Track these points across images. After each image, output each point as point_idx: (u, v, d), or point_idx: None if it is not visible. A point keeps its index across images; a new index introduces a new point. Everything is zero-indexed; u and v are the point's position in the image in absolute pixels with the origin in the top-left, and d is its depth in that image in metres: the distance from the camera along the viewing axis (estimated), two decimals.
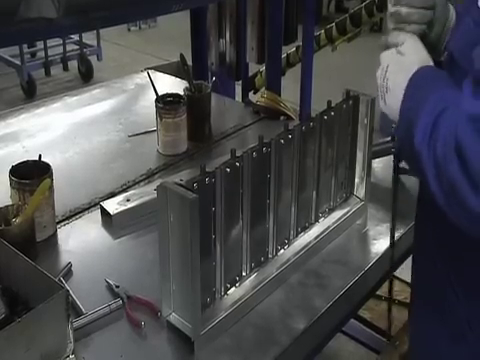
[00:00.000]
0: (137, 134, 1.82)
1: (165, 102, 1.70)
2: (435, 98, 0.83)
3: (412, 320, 1.12)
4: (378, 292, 2.04)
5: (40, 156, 1.35)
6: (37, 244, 1.28)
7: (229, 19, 2.11)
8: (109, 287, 1.19)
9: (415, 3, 1.00)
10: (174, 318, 1.09)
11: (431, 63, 0.95)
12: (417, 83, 0.91)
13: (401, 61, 0.97)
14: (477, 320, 0.93)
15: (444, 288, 0.97)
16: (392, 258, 1.34)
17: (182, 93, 1.74)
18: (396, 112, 0.92)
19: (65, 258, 1.29)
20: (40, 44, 5.16)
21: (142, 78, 2.17)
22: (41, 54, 5.21)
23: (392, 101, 0.95)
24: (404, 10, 1.00)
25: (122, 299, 1.15)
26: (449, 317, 0.97)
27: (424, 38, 1.01)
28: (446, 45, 1.03)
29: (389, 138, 1.54)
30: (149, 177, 1.61)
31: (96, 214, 1.44)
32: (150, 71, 2.06)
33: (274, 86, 2.13)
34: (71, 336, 1.01)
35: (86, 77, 5.31)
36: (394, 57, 0.98)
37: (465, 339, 0.95)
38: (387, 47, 1.01)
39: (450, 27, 1.04)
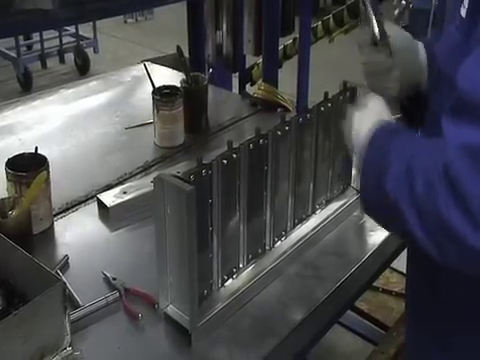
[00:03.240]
0: (134, 126, 1.81)
1: (162, 94, 1.69)
2: (399, 148, 0.82)
3: (405, 324, 1.13)
4: (375, 283, 2.05)
5: (36, 148, 1.35)
6: (34, 237, 1.28)
7: (226, 11, 2.10)
8: (106, 279, 1.19)
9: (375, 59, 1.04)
10: (171, 310, 1.09)
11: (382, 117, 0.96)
12: (376, 143, 0.90)
13: (362, 119, 0.99)
14: (463, 328, 0.93)
15: (432, 296, 0.97)
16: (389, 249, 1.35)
17: (179, 85, 1.73)
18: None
19: (62, 251, 1.28)
20: (36, 36, 5.13)
21: (139, 70, 2.16)
22: (37, 46, 5.18)
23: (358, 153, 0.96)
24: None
25: (119, 291, 1.15)
26: (437, 324, 0.97)
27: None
28: (434, 58, 1.03)
29: None
30: (146, 169, 1.60)
31: (93, 206, 1.44)
32: (147, 63, 2.05)
33: (271, 78, 2.12)
34: (68, 328, 1.01)
35: (82, 69, 5.28)
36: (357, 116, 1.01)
37: (452, 347, 0.95)
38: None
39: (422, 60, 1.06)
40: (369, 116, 0.98)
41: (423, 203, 0.72)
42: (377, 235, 1.36)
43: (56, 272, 1.18)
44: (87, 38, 5.35)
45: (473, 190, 0.67)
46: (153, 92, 1.69)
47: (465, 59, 0.75)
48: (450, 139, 0.71)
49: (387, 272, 2.12)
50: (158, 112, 1.67)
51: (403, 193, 0.75)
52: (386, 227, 0.96)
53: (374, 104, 1.02)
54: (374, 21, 1.03)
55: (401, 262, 1.26)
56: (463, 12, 0.87)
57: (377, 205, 0.86)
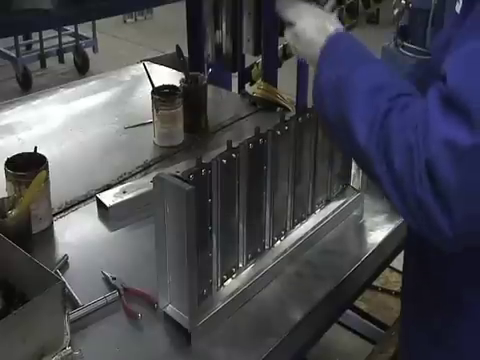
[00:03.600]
0: (133, 126, 1.81)
1: (161, 94, 1.69)
2: (367, 78, 0.82)
3: (401, 323, 1.13)
4: (374, 283, 2.05)
5: (36, 148, 1.35)
6: (33, 236, 1.27)
7: (225, 10, 2.10)
8: (105, 279, 1.19)
9: None
10: (171, 310, 1.09)
11: (330, 28, 0.96)
12: (332, 58, 0.91)
13: (302, 42, 0.99)
14: (455, 325, 0.93)
15: (426, 291, 0.97)
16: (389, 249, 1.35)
17: (178, 85, 1.73)
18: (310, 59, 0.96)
19: (61, 250, 1.28)
20: (35, 36, 5.13)
21: (138, 70, 2.16)
22: (36, 46, 5.18)
23: (307, 52, 0.98)
24: None
25: (119, 291, 1.15)
26: (431, 320, 0.98)
27: None
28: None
29: None
30: (145, 169, 1.60)
31: (92, 206, 1.44)
32: (146, 63, 2.05)
33: (270, 77, 2.12)
34: (68, 328, 1.01)
35: (82, 69, 5.29)
36: (294, 38, 1.01)
37: (447, 343, 0.95)
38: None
39: None
40: (323, 17, 0.98)
41: (403, 183, 0.74)
42: (376, 234, 1.36)
43: (55, 272, 1.18)
44: (86, 38, 5.35)
45: (453, 187, 0.69)
46: (152, 92, 1.69)
47: (453, 50, 0.76)
48: (434, 129, 0.71)
49: (386, 271, 2.12)
50: (157, 112, 1.67)
51: (378, 157, 0.76)
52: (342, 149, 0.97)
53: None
54: None
55: (400, 261, 1.26)
56: (458, 8, 0.87)
57: (338, 134, 0.87)
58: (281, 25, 2.12)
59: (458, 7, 0.87)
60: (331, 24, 0.97)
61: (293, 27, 1.01)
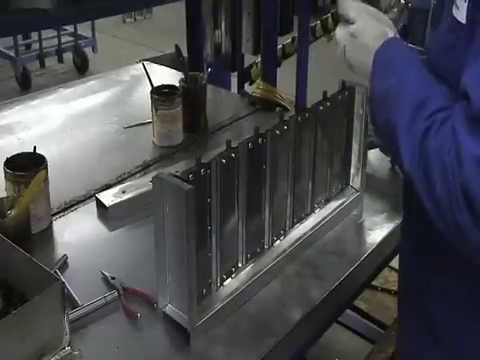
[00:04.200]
0: (132, 126, 1.81)
1: (160, 93, 1.69)
2: (411, 96, 0.82)
3: (398, 324, 1.13)
4: (374, 283, 2.05)
5: (35, 148, 1.35)
6: (32, 236, 1.27)
7: (225, 10, 2.10)
8: (105, 279, 1.19)
9: None
10: (170, 309, 1.09)
11: (390, 33, 0.94)
12: (384, 66, 0.90)
13: (357, 43, 0.96)
14: (454, 326, 0.93)
15: (424, 292, 0.97)
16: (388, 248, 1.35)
17: (178, 84, 1.73)
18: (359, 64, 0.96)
19: (61, 250, 1.28)
20: (35, 36, 5.14)
21: (137, 69, 2.16)
22: (36, 46, 5.19)
23: (360, 72, 0.97)
24: None
25: (118, 291, 1.15)
26: (429, 322, 0.97)
27: None
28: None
29: None
30: (145, 169, 1.60)
31: (92, 206, 1.44)
32: (145, 62, 2.06)
33: (270, 77, 2.12)
34: (67, 328, 1.01)
35: (81, 69, 5.29)
36: (349, 39, 0.98)
37: (445, 344, 0.95)
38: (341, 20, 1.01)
39: None
40: (364, 37, 0.96)
41: (440, 204, 0.75)
42: (376, 234, 1.36)
43: (55, 272, 1.18)
44: (86, 37, 5.35)
45: None
46: (152, 91, 1.69)
47: (470, 66, 0.75)
48: (465, 150, 0.71)
49: (386, 271, 2.12)
50: (157, 111, 1.67)
51: (420, 181, 0.78)
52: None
53: (364, 20, 0.97)
54: None
55: None
56: (457, 13, 0.85)
57: (385, 140, 0.90)
58: (281, 24, 2.13)
59: (458, 13, 0.85)
60: (391, 30, 0.95)
61: (351, 26, 0.97)
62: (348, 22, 0.98)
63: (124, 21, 6.66)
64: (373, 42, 0.93)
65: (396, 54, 0.92)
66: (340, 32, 1.00)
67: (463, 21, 0.83)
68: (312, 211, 1.34)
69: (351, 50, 0.98)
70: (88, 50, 5.34)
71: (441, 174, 0.74)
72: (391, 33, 0.94)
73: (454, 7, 0.85)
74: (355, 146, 1.38)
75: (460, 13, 0.84)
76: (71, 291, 1.14)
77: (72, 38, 5.32)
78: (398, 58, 0.91)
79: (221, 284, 1.13)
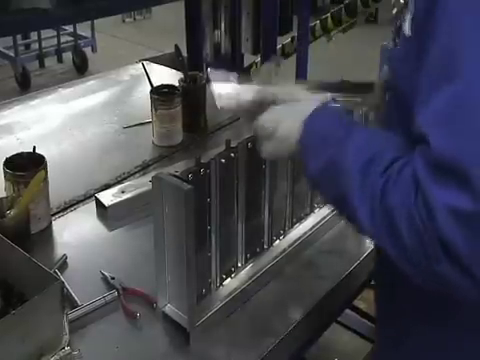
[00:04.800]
0: (132, 126, 1.81)
1: (160, 93, 1.69)
2: (357, 157, 0.76)
3: (376, 344, 1.11)
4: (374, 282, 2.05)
5: (34, 148, 1.35)
6: (32, 236, 1.27)
7: (224, 10, 2.10)
8: (104, 279, 1.19)
9: None
10: (169, 309, 1.09)
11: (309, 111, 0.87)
12: (315, 142, 0.84)
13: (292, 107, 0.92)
14: (428, 350, 0.92)
15: (400, 317, 0.96)
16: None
17: (177, 84, 1.73)
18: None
19: (60, 250, 1.28)
20: (34, 36, 5.13)
21: (137, 69, 2.16)
22: (35, 46, 5.19)
23: (280, 147, 0.91)
24: None
25: (117, 291, 1.15)
26: (404, 344, 0.96)
27: None
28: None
29: None
30: (144, 168, 1.60)
31: (91, 206, 1.44)
32: (145, 62, 2.06)
33: None
34: (66, 328, 1.01)
35: (81, 69, 5.28)
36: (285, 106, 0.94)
37: (404, 344, 0.95)
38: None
39: None
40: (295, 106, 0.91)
41: (413, 257, 0.70)
42: None
43: (54, 271, 1.18)
44: (85, 37, 5.35)
45: (467, 253, 0.66)
46: (151, 91, 1.69)
47: (424, 104, 0.70)
48: (435, 200, 0.66)
49: None
50: (156, 111, 1.67)
51: (386, 239, 0.72)
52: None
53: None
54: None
55: None
56: (405, 26, 0.81)
57: (343, 214, 0.84)
58: (280, 24, 2.13)
59: (405, 26, 0.80)
60: (314, 105, 0.88)
61: (273, 135, 0.92)
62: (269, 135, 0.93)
63: (123, 21, 6.66)
64: (295, 132, 0.87)
65: (325, 124, 0.86)
66: (266, 150, 0.95)
67: (407, 33, 0.80)
68: (311, 211, 1.34)
69: (283, 115, 0.92)
70: (87, 50, 5.34)
71: (410, 226, 0.68)
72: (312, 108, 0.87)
73: (404, 21, 0.81)
74: None
75: (406, 26, 0.80)
76: (70, 291, 1.14)
77: (71, 38, 5.32)
78: (325, 130, 0.85)
79: (221, 284, 1.13)
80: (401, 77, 0.84)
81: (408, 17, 0.80)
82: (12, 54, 4.89)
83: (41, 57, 5.14)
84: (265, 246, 1.23)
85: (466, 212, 0.64)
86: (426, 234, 0.67)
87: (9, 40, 4.79)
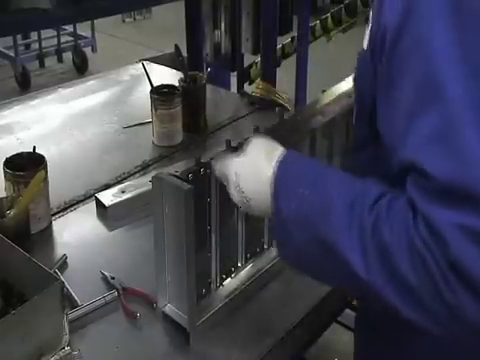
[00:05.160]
0: (132, 126, 1.81)
1: (160, 93, 1.69)
2: (339, 198, 0.70)
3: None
4: None
5: (34, 148, 1.35)
6: (32, 236, 1.27)
7: (224, 10, 2.10)
8: (104, 279, 1.19)
9: None
10: (169, 309, 1.09)
11: (279, 148, 0.84)
12: (287, 183, 0.78)
13: (247, 164, 0.85)
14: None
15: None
16: None
17: (177, 84, 1.73)
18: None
19: (60, 250, 1.28)
20: (34, 36, 5.13)
21: (137, 69, 2.16)
22: (35, 46, 5.18)
23: (260, 208, 0.84)
24: None
25: (117, 291, 1.15)
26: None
27: None
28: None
29: None
30: (144, 168, 1.60)
31: (91, 206, 1.44)
32: (145, 62, 2.06)
33: (269, 77, 2.12)
34: (66, 328, 1.01)
35: (81, 69, 5.28)
36: (238, 162, 0.87)
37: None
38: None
39: None
40: (259, 154, 0.84)
41: (422, 298, 0.63)
42: None
43: (54, 271, 1.18)
44: (85, 37, 5.35)
45: None
46: (151, 91, 1.69)
47: (407, 134, 0.66)
48: (441, 221, 0.61)
49: None
50: (156, 111, 1.67)
51: (382, 279, 0.65)
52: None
53: (258, 141, 0.87)
54: None
55: None
56: (364, 40, 0.78)
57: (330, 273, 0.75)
58: (280, 24, 2.13)
59: (364, 40, 0.78)
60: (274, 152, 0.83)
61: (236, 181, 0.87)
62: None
63: (124, 21, 6.66)
64: (263, 163, 0.82)
65: (298, 167, 0.80)
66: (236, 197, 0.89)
67: (364, 47, 0.79)
68: None
69: (244, 178, 0.86)
70: (87, 50, 5.34)
71: (411, 259, 0.62)
72: (279, 147, 0.85)
73: (367, 26, 0.79)
74: None
75: (365, 40, 0.78)
76: (71, 291, 1.14)
77: (71, 38, 5.32)
78: (303, 169, 0.79)
79: (221, 284, 1.13)
80: (364, 91, 0.81)
81: (367, 30, 0.78)
82: (12, 54, 4.89)
83: (41, 57, 5.14)
84: (265, 246, 1.23)
85: (478, 230, 0.59)
86: (434, 263, 0.61)
87: (9, 40, 4.79)
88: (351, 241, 0.67)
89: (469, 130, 0.62)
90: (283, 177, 0.79)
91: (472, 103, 0.63)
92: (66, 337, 1.01)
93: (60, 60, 5.31)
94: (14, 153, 1.34)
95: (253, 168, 0.84)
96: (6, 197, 1.27)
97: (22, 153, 1.35)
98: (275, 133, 0.95)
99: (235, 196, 0.88)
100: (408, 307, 0.65)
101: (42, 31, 4.91)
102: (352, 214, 0.68)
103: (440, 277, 0.61)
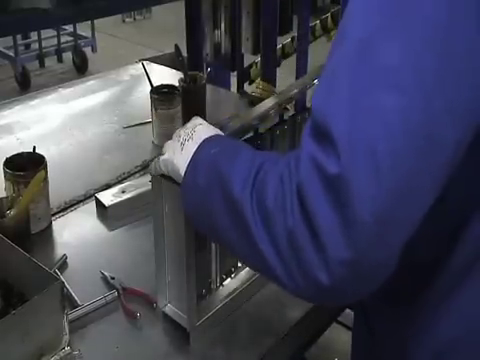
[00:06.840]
0: (132, 125, 1.81)
1: (160, 93, 1.69)
2: (244, 163, 0.73)
3: None
4: None
5: (34, 148, 1.35)
6: (32, 236, 1.27)
7: (224, 10, 2.10)
8: (104, 279, 1.19)
9: None
10: (170, 309, 1.09)
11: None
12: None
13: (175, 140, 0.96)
14: None
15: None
16: None
17: (177, 84, 1.73)
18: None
19: (60, 250, 1.28)
20: (34, 36, 5.14)
21: (137, 69, 2.16)
22: (35, 46, 5.19)
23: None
24: None
25: (117, 291, 1.15)
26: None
27: None
28: None
29: None
30: (144, 168, 1.60)
31: (91, 206, 1.44)
32: (145, 62, 2.06)
33: (269, 77, 2.12)
34: (66, 328, 1.01)
35: (81, 68, 5.29)
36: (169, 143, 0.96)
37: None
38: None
39: None
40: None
41: (271, 220, 0.65)
42: None
43: (54, 271, 1.18)
44: (85, 37, 5.35)
45: (319, 211, 0.60)
46: (151, 91, 1.69)
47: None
48: (304, 150, 0.63)
49: None
50: (156, 111, 1.67)
51: (254, 204, 0.68)
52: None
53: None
54: None
55: None
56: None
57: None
58: (280, 24, 2.13)
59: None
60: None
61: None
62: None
63: (123, 21, 6.67)
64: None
65: (219, 138, 0.88)
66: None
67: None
68: None
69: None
70: (87, 50, 5.34)
71: (276, 185, 0.65)
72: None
73: None
74: None
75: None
76: (71, 291, 1.14)
77: (71, 38, 5.33)
78: (222, 138, 0.87)
79: (221, 284, 1.13)
80: None
81: None
82: (12, 54, 4.89)
83: (41, 57, 5.14)
84: None
85: (329, 172, 0.59)
86: (288, 184, 0.63)
87: (9, 40, 4.80)
88: (241, 174, 0.71)
89: (344, 69, 0.62)
90: (202, 144, 0.86)
91: (361, 42, 0.62)
92: (66, 337, 1.01)
93: (60, 60, 5.32)
94: (14, 153, 1.34)
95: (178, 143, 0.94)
96: (6, 197, 1.27)
97: (22, 153, 1.35)
98: None
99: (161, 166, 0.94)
100: (262, 236, 0.66)
101: (42, 31, 4.91)
102: (253, 163, 0.71)
103: (288, 200, 0.63)
